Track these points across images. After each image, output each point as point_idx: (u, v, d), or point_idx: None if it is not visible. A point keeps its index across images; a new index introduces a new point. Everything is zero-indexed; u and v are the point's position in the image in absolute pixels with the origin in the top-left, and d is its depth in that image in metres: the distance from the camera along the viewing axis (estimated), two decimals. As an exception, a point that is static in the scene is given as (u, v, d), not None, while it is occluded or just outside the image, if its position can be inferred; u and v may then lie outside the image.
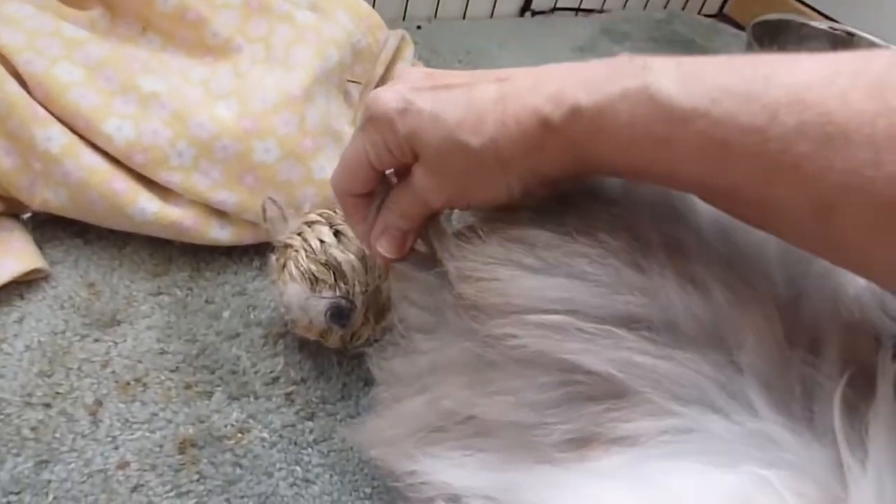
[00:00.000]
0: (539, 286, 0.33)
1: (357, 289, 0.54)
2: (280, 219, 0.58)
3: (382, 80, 0.86)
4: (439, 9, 1.19)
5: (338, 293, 0.54)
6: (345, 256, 0.54)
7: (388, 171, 0.43)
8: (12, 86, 0.59)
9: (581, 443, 0.29)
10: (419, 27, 1.13)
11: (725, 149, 0.27)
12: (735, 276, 0.31)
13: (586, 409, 0.29)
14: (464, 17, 1.23)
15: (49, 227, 0.66)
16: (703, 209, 0.34)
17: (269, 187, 0.62)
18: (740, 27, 1.51)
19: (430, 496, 0.32)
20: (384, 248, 0.42)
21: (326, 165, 0.65)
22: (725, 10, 1.60)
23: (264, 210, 0.57)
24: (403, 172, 0.41)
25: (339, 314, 0.54)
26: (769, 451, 0.26)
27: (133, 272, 0.64)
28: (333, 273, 0.54)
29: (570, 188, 0.37)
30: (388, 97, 0.37)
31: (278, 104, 0.63)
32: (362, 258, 0.55)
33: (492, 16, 1.26)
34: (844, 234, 0.25)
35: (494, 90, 0.35)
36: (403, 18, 1.15)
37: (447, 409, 0.35)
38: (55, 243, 0.65)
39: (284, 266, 0.56)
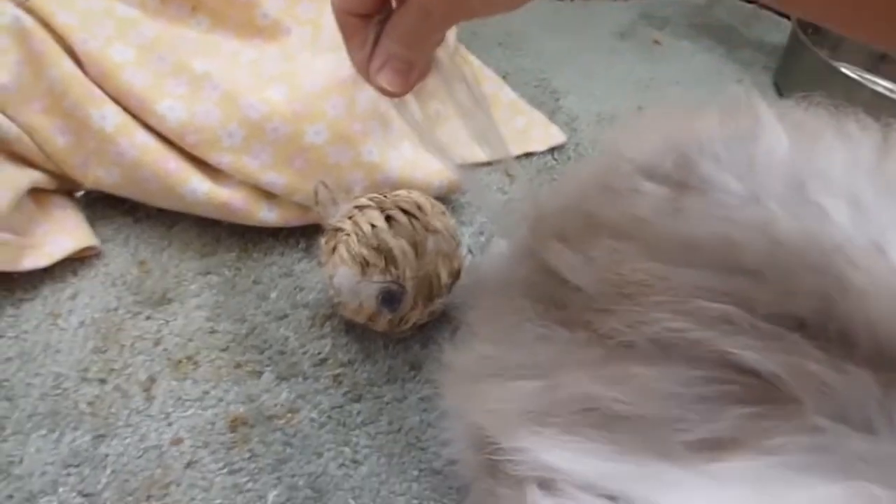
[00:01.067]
0: (705, 275, 0.32)
1: (408, 274, 0.54)
2: (331, 202, 0.58)
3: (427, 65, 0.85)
4: (479, -9, 1.18)
5: (388, 278, 0.54)
6: (396, 241, 0.54)
7: None
8: (68, 64, 0.59)
9: (716, 445, 0.28)
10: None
11: None
12: None
13: (735, 410, 0.29)
14: None
15: (100, 206, 0.67)
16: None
17: (319, 170, 0.63)
18: (782, 14, 1.49)
19: (523, 476, 0.32)
20: (386, 81, 0.36)
21: (374, 149, 0.65)
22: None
23: (316, 193, 0.57)
24: None
25: (389, 299, 0.54)
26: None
27: (182, 251, 0.65)
28: (384, 257, 0.54)
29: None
30: None
31: (328, 88, 0.63)
32: (413, 243, 0.55)
33: (530, -1, 1.25)
34: None
35: None
36: None
37: (564, 398, 0.34)
38: (105, 221, 0.66)
39: (335, 249, 0.57)
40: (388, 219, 0.56)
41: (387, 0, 0.36)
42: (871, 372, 0.28)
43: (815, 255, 0.34)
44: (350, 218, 0.57)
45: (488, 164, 0.83)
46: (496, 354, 0.44)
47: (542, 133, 0.88)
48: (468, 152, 0.82)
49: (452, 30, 0.90)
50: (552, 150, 0.88)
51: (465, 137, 0.85)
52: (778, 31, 1.39)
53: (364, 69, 0.37)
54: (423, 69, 0.38)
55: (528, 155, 0.86)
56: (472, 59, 0.95)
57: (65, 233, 0.61)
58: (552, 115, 0.93)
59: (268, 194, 0.64)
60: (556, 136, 0.89)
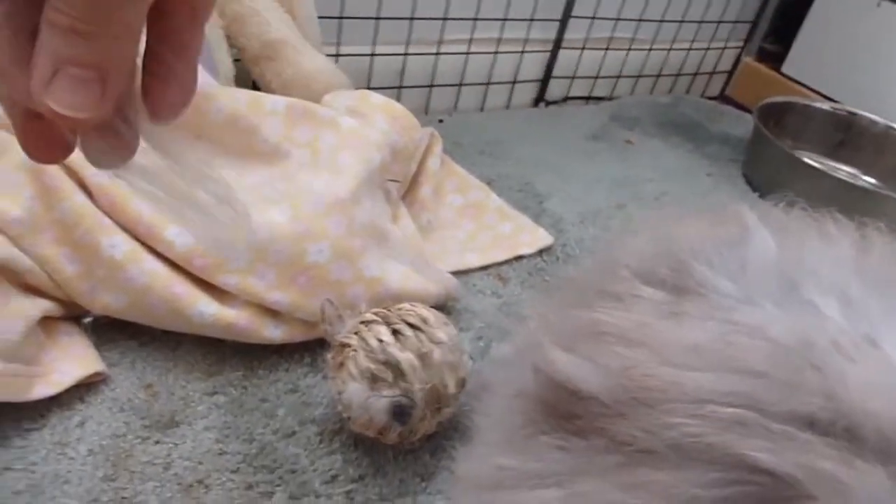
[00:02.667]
0: (714, 378, 0.34)
1: (416, 386, 0.56)
2: (337, 319, 0.60)
3: (416, 176, 0.89)
4: (459, 102, 1.24)
5: (397, 391, 0.55)
6: (403, 355, 0.56)
7: None
8: (80, 197, 0.61)
9: None
10: (441, 120, 1.18)
11: None
12: None
13: None
14: (482, 109, 1.28)
15: (105, 330, 0.67)
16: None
17: (322, 287, 0.65)
18: (742, 108, 1.57)
19: None
20: (65, 102, 0.20)
21: (373, 264, 0.67)
22: (727, 91, 1.67)
23: (323, 311, 0.59)
24: None
25: (401, 412, 0.55)
26: None
27: (188, 372, 0.65)
28: (393, 372, 0.56)
29: None
30: None
31: (329, 207, 0.66)
32: (420, 356, 0.56)
33: (508, 107, 1.32)
34: None
35: None
36: (426, 112, 1.20)
37: None
38: (111, 346, 0.67)
39: (342, 364, 0.58)
40: (395, 333, 0.58)
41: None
42: (882, 466, 0.30)
43: (814, 353, 0.36)
44: (356, 333, 0.58)
45: (482, 269, 0.86)
46: (512, 465, 0.44)
47: (529, 236, 0.91)
48: (459, 259, 0.85)
49: (439, 143, 0.94)
50: (541, 251, 0.91)
51: (456, 245, 0.88)
52: (741, 125, 1.47)
53: (19, 92, 0.21)
54: (123, 76, 0.22)
55: (518, 258, 0.89)
56: (458, 168, 0.99)
57: (72, 359, 0.62)
58: (537, 218, 0.97)
59: (272, 312, 0.65)
60: (543, 238, 0.92)
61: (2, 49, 0.21)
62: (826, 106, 1.36)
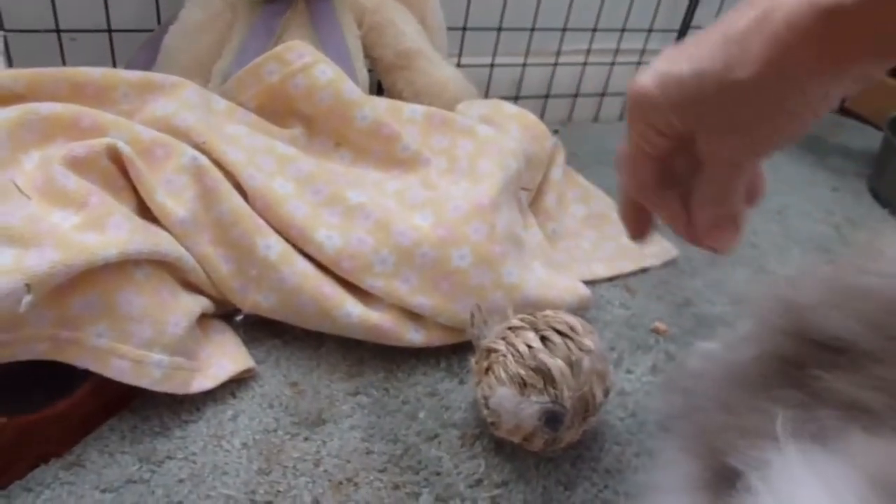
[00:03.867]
0: None
1: (566, 394, 0.55)
2: (483, 324, 0.60)
3: (540, 185, 0.89)
4: (574, 112, 1.24)
5: (546, 398, 0.55)
6: (554, 361, 0.56)
7: None
8: (237, 199, 0.64)
9: None
10: (556, 131, 1.17)
11: None
12: None
13: None
14: (596, 120, 1.27)
15: (249, 329, 0.70)
16: None
17: (463, 292, 0.65)
18: (863, 120, 1.51)
19: None
20: (719, 242, 0.37)
21: (514, 270, 0.68)
22: (846, 103, 1.60)
23: (472, 316, 0.59)
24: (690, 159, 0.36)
25: (553, 419, 0.55)
26: None
27: (331, 373, 0.67)
28: (543, 378, 0.56)
29: None
30: (642, 77, 0.34)
31: (470, 213, 0.67)
32: (570, 363, 0.56)
33: (620, 118, 1.30)
34: None
35: (751, 11, 0.30)
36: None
37: None
38: (256, 344, 0.69)
39: (489, 369, 0.58)
40: (543, 339, 0.58)
41: (668, 171, 0.37)
42: None
43: None
44: (504, 339, 0.59)
45: (609, 279, 0.85)
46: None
47: (656, 248, 0.90)
48: (586, 269, 0.84)
49: (562, 153, 0.94)
50: (666, 264, 0.90)
51: (582, 255, 0.88)
52: (863, 138, 1.41)
53: (684, 232, 0.38)
54: (742, 215, 0.37)
55: (644, 270, 0.88)
56: (580, 178, 0.99)
57: (225, 356, 0.64)
58: (660, 229, 0.95)
59: (414, 316, 0.66)
60: (669, 250, 0.90)
61: (651, 177, 0.37)
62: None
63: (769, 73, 0.30)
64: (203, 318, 0.67)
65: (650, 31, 1.22)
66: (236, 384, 0.65)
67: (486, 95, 1.12)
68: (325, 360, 0.68)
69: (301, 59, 0.71)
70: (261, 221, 0.64)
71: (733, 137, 0.33)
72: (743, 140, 0.33)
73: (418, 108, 0.76)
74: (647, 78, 0.34)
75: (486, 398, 0.58)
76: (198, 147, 0.65)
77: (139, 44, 0.87)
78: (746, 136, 0.33)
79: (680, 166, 0.37)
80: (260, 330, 0.70)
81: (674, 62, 0.33)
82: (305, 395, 0.65)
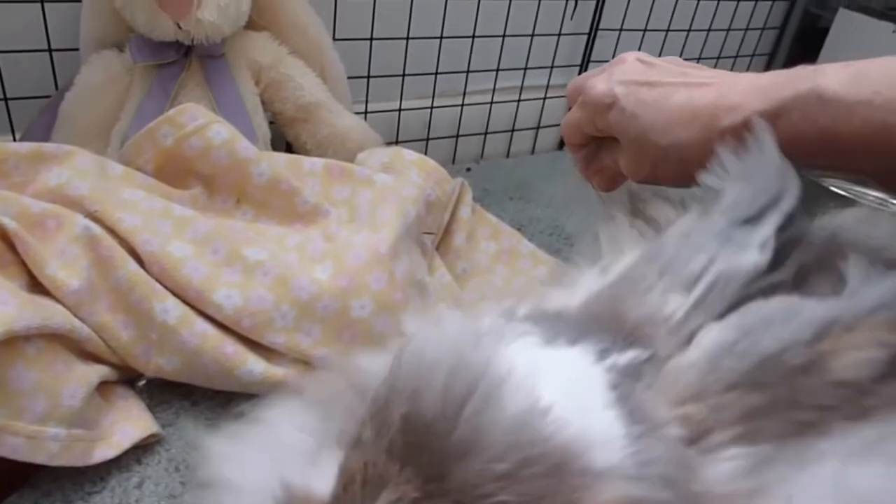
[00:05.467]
0: None
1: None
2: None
3: (449, 226, 0.91)
4: (485, 150, 1.27)
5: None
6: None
7: None
8: (133, 265, 0.64)
9: None
10: (468, 169, 1.21)
11: (886, 132, 0.33)
12: None
13: None
14: (508, 156, 1.31)
15: (157, 392, 0.70)
16: None
17: (366, 341, 0.66)
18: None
19: None
20: (596, 184, 0.51)
21: (415, 317, 0.69)
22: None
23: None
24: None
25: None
26: None
27: (239, 430, 0.67)
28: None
29: None
30: (600, 90, 0.45)
31: (369, 263, 0.68)
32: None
33: (533, 152, 1.34)
34: None
35: (685, 99, 0.41)
36: (453, 162, 1.23)
37: None
38: (164, 406, 0.69)
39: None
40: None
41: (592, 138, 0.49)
42: None
43: None
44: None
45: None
46: None
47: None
48: (496, 305, 0.86)
49: (468, 192, 0.96)
50: (575, 294, 0.92)
51: (493, 291, 0.90)
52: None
53: (583, 172, 0.52)
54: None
55: (553, 302, 0.90)
56: (489, 215, 1.01)
57: (129, 421, 0.64)
58: (569, 261, 0.98)
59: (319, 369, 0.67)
60: (576, 281, 0.93)
61: (584, 162, 0.51)
62: (850, 135, 1.36)
63: (674, 148, 0.42)
64: (106, 385, 0.66)
65: (552, 67, 1.26)
66: (142, 450, 0.64)
67: (397, 139, 1.14)
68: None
69: (194, 121, 0.72)
70: (158, 286, 0.65)
71: (635, 164, 0.45)
72: (639, 168, 0.45)
73: (318, 161, 0.78)
74: (603, 94, 0.45)
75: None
76: (91, 215, 0.65)
77: (37, 110, 0.87)
78: (643, 169, 0.45)
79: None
80: (167, 392, 0.70)
81: (626, 92, 0.44)
82: (213, 456, 0.65)
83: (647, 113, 0.42)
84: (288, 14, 0.88)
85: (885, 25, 1.39)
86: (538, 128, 1.32)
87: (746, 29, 1.51)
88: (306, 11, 0.90)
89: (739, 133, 0.37)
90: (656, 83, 0.43)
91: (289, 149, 0.97)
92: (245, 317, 0.65)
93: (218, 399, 0.69)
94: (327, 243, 0.71)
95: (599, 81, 0.45)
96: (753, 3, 1.48)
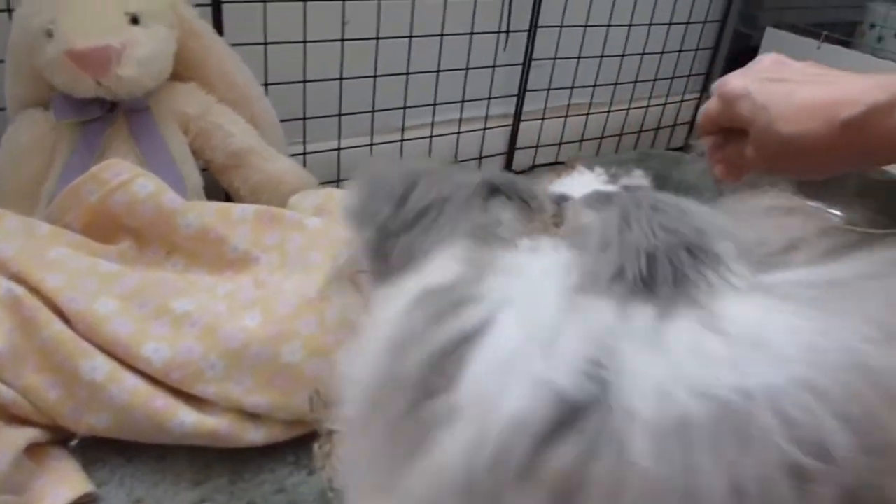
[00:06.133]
0: None
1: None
2: (324, 408, 0.62)
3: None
4: (428, 183, 1.28)
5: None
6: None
7: None
8: (58, 325, 0.64)
9: None
10: (412, 202, 1.22)
11: None
12: None
13: None
14: (451, 187, 1.32)
15: (92, 450, 0.69)
16: None
17: (299, 385, 0.67)
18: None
19: None
20: (719, 172, 0.54)
21: (348, 358, 0.70)
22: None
23: (311, 402, 0.61)
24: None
25: None
26: None
27: (176, 483, 0.67)
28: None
29: None
30: (736, 84, 0.49)
31: (300, 308, 0.69)
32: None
33: (477, 181, 1.36)
34: None
35: (809, 93, 0.45)
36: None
37: None
38: (99, 464, 0.68)
39: (330, 453, 0.60)
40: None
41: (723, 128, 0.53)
42: None
43: None
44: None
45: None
46: None
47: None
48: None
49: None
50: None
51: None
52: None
53: (710, 158, 0.55)
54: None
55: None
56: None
57: (62, 483, 0.63)
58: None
59: (253, 415, 0.67)
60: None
61: (713, 149, 0.55)
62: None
63: (797, 139, 0.45)
64: (37, 447, 0.66)
65: (490, 98, 1.28)
66: (76, 511, 0.64)
67: (338, 178, 1.15)
68: (170, 471, 0.68)
69: (118, 176, 0.73)
70: (85, 344, 0.64)
71: (762, 153, 0.48)
72: (766, 158, 0.48)
73: (249, 208, 0.78)
74: (738, 87, 0.49)
75: (330, 481, 0.59)
76: (14, 277, 0.65)
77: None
78: (770, 159, 0.48)
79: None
80: (102, 450, 0.69)
81: (759, 87, 0.48)
82: (149, 512, 0.64)
83: (776, 105, 0.46)
84: (214, 64, 0.89)
85: (810, 42, 1.44)
86: (480, 158, 1.34)
87: (680, 51, 1.54)
88: (233, 61, 0.91)
89: (859, 125, 0.42)
90: (787, 80, 0.47)
91: (227, 196, 0.97)
92: (174, 369, 0.65)
93: (152, 452, 0.69)
94: (258, 290, 0.72)
95: (737, 77, 0.50)
96: (685, 25, 1.52)
